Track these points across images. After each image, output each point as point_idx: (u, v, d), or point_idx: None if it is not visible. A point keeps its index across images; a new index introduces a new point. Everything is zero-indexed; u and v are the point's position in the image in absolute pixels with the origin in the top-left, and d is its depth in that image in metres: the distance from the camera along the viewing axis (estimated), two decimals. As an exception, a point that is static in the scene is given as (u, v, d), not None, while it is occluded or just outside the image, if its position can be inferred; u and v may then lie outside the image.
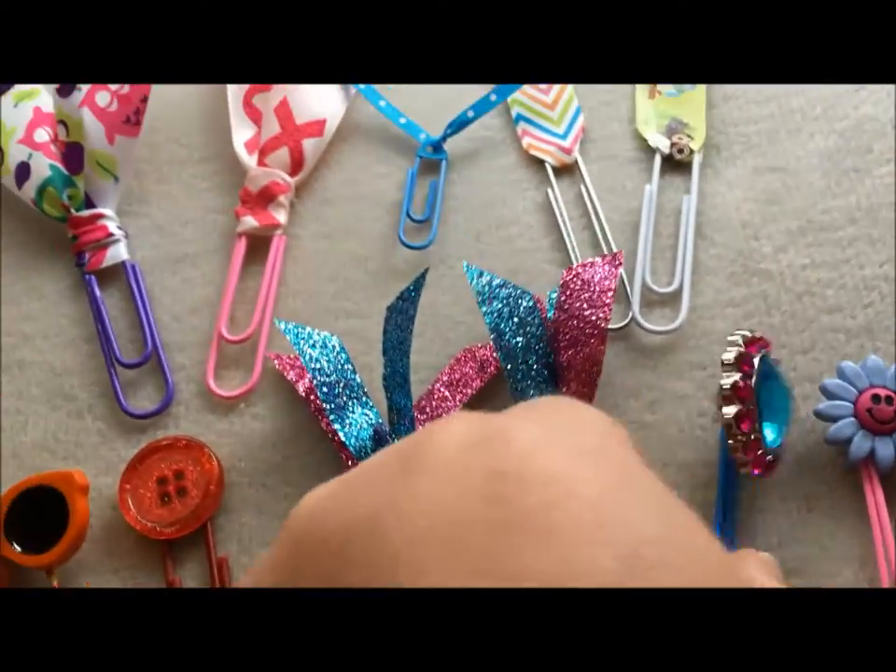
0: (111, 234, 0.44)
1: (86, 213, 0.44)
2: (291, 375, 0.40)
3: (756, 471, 0.34)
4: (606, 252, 0.42)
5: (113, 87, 0.44)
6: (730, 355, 0.34)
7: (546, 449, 0.17)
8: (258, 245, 0.44)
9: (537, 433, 0.18)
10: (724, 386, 0.33)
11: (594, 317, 0.37)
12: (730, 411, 0.33)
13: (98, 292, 0.43)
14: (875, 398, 0.34)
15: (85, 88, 0.44)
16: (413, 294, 0.36)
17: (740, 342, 0.34)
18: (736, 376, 0.33)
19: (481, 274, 0.38)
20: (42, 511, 0.37)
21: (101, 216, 0.45)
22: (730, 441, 0.33)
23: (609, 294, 0.38)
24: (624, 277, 0.41)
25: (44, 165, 0.45)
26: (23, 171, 0.45)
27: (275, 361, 0.41)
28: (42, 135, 0.45)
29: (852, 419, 0.34)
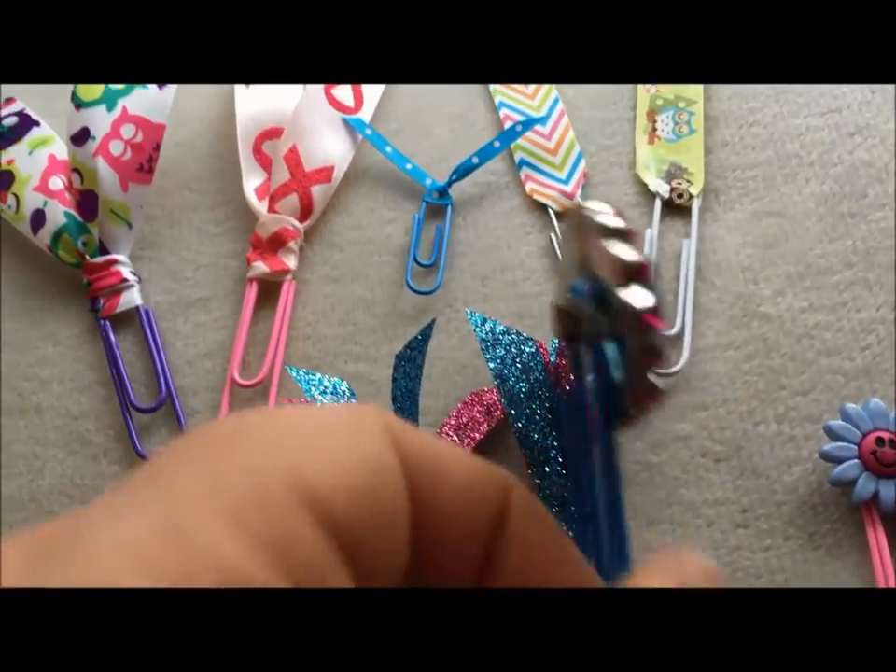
0: (125, 280, 0.45)
1: (100, 259, 0.45)
2: (303, 419, 0.41)
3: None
4: (609, 295, 0.43)
5: (126, 136, 0.46)
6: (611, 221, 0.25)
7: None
8: (268, 290, 0.45)
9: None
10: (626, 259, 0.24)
11: (598, 361, 0.38)
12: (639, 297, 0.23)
13: (113, 337, 0.44)
14: (880, 440, 0.35)
15: (99, 137, 0.45)
16: (420, 343, 0.37)
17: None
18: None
19: (484, 321, 0.39)
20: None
21: (115, 261, 0.46)
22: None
23: (613, 338, 0.39)
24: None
25: (59, 213, 0.46)
26: (39, 218, 0.46)
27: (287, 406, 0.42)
28: (57, 183, 0.47)
29: (857, 461, 0.35)
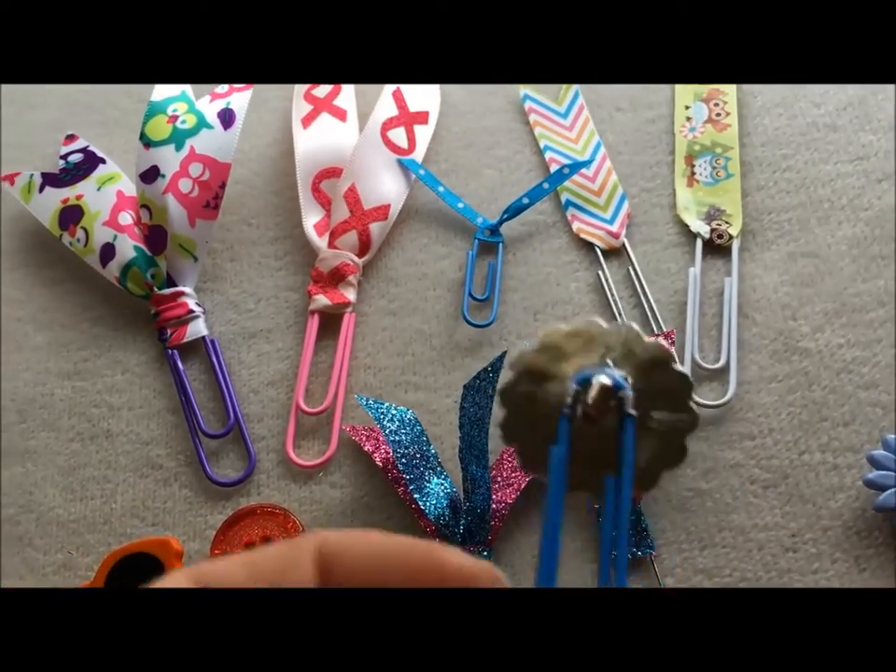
0: (191, 311, 0.47)
1: (168, 291, 0.47)
2: (368, 447, 0.43)
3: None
4: (655, 330, 0.45)
5: (194, 174, 0.48)
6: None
7: None
8: (327, 322, 0.48)
9: None
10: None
11: (651, 393, 0.41)
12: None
13: (181, 366, 0.46)
14: (918, 469, 0.37)
15: (168, 175, 0.48)
16: (491, 374, 0.39)
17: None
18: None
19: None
20: (141, 576, 0.39)
21: (181, 293, 0.48)
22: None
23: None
24: (674, 354, 0.44)
25: (128, 246, 0.48)
26: (108, 251, 0.48)
27: (351, 433, 0.44)
28: (126, 218, 0.49)
29: (898, 489, 0.38)
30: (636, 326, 0.26)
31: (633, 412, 0.24)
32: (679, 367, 0.26)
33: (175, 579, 0.19)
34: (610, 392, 0.24)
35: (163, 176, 0.48)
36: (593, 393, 0.24)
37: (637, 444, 0.24)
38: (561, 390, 0.25)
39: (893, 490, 0.38)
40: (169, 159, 0.48)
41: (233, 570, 0.20)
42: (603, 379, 0.24)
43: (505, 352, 0.40)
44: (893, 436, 0.39)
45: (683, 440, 0.26)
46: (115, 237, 0.48)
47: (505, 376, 0.39)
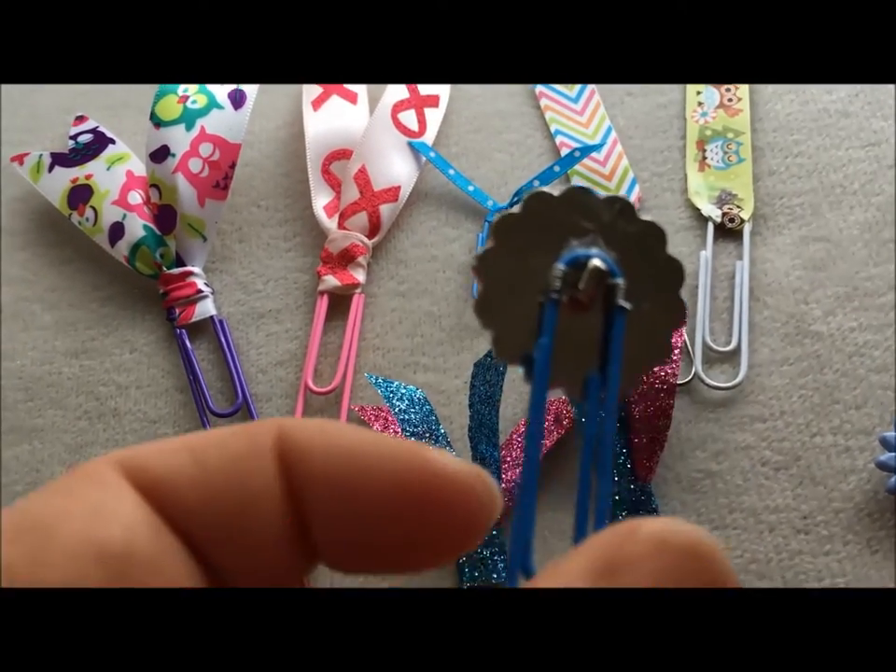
0: (200, 291, 0.47)
1: (176, 271, 0.47)
2: (377, 426, 0.43)
3: None
4: (666, 313, 0.45)
5: (204, 154, 0.48)
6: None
7: None
8: (336, 303, 0.47)
9: None
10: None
11: (663, 373, 0.40)
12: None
13: (189, 345, 0.46)
14: (932, 450, 0.37)
15: (178, 154, 0.47)
16: (502, 351, 0.39)
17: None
18: None
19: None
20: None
21: (190, 273, 0.47)
22: None
23: (676, 352, 0.41)
24: (686, 336, 0.44)
25: (138, 226, 0.48)
26: (117, 230, 0.48)
27: (360, 413, 0.44)
28: (135, 197, 0.49)
29: (911, 470, 0.37)
30: (630, 197, 0.23)
31: (626, 304, 0.20)
32: (671, 252, 0.22)
33: (96, 469, 0.15)
34: (603, 277, 0.21)
35: (173, 156, 0.47)
36: (585, 277, 0.20)
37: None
38: (544, 266, 0.21)
39: (906, 471, 0.37)
40: (179, 138, 0.48)
41: (175, 459, 0.15)
42: (597, 262, 0.20)
43: (517, 329, 0.39)
44: (906, 418, 0.39)
45: (669, 334, 0.22)
46: (124, 216, 0.48)
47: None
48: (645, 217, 0.21)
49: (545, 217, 0.22)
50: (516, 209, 0.22)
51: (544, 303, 0.20)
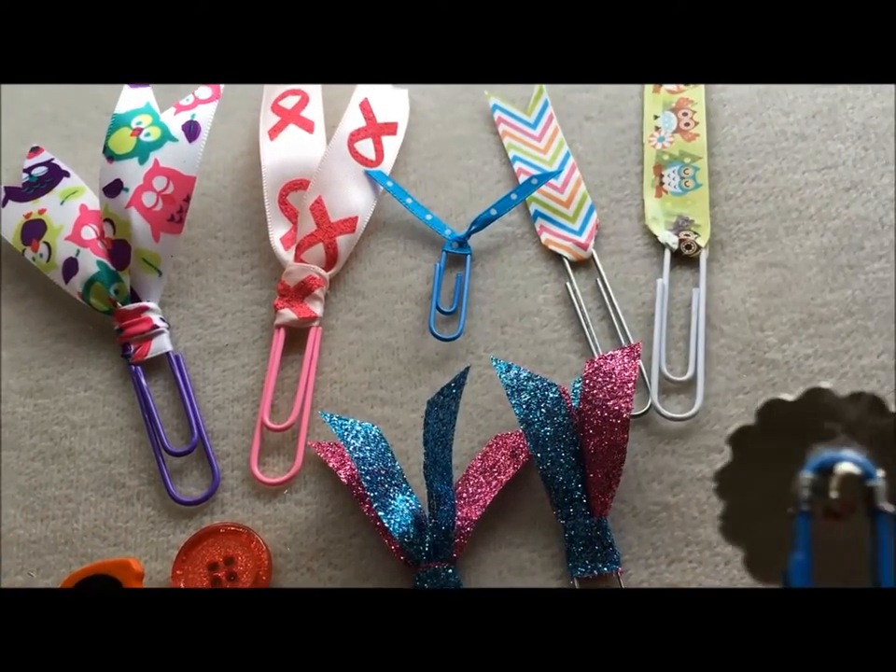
0: (156, 326, 0.47)
1: (132, 306, 0.47)
2: (333, 463, 0.42)
3: None
4: (623, 342, 0.45)
5: (158, 188, 0.47)
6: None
7: None
8: (294, 336, 0.47)
9: None
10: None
11: (616, 408, 0.40)
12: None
13: (144, 382, 0.46)
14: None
15: (132, 189, 0.47)
16: (454, 390, 0.39)
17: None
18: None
19: (509, 368, 0.41)
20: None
21: (145, 308, 0.47)
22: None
23: (630, 385, 0.41)
24: (642, 366, 0.44)
25: (91, 261, 0.47)
26: (71, 266, 0.47)
27: (316, 449, 0.43)
28: (89, 233, 0.48)
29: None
30: (875, 392, 0.21)
31: (888, 506, 0.19)
32: None
33: None
34: (857, 481, 0.19)
35: (127, 190, 0.47)
36: (836, 484, 0.19)
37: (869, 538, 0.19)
38: (790, 476, 0.20)
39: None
40: (132, 172, 0.47)
41: None
42: (848, 465, 0.19)
43: (468, 367, 0.39)
44: (858, 449, 0.39)
45: None
46: (78, 252, 0.47)
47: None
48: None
49: (783, 424, 0.20)
50: (753, 422, 0.20)
51: (795, 516, 0.19)
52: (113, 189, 0.48)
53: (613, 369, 0.41)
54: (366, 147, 0.51)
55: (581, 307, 0.46)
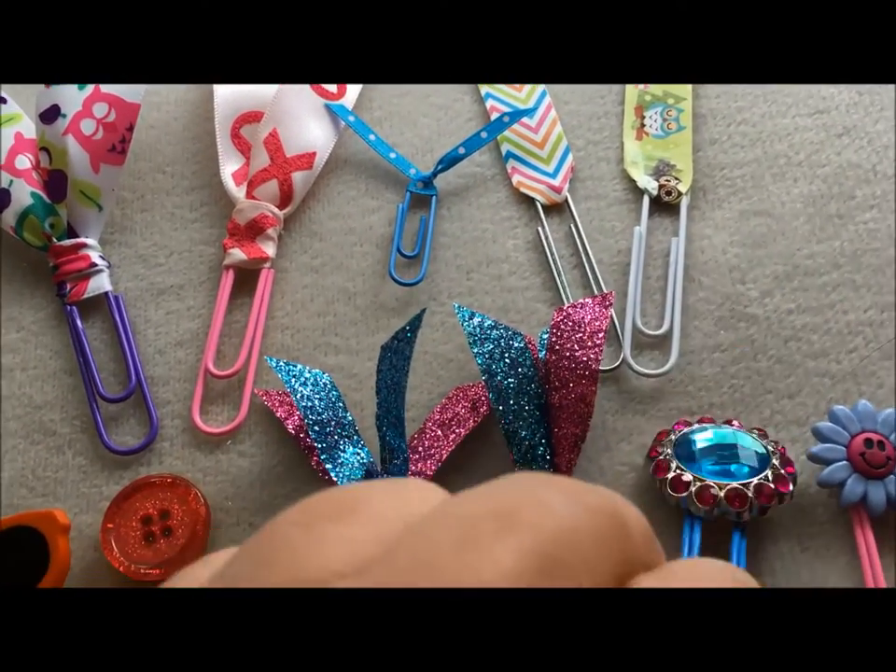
0: (94, 264, 0.43)
1: (68, 242, 0.43)
2: (280, 413, 0.39)
3: None
4: (596, 292, 0.42)
5: (98, 115, 0.44)
6: None
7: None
8: (244, 278, 0.44)
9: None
10: None
11: (584, 358, 0.37)
12: None
13: (80, 324, 0.42)
14: (868, 442, 0.35)
15: (70, 115, 0.43)
16: (409, 334, 0.36)
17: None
18: None
19: (472, 316, 0.38)
20: (22, 551, 0.35)
21: (83, 245, 0.44)
22: None
23: (600, 335, 0.38)
24: (615, 318, 0.41)
25: (25, 193, 0.44)
26: (3, 197, 0.44)
27: (264, 398, 0.40)
28: (24, 162, 0.44)
29: (845, 462, 0.35)
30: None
31: None
32: None
33: None
34: None
35: (64, 116, 0.43)
36: None
37: None
38: None
39: (839, 464, 0.35)
40: (71, 97, 0.44)
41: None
42: None
43: (424, 310, 0.36)
44: (841, 406, 0.36)
45: None
46: (11, 182, 0.44)
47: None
48: None
49: None
50: None
51: None
52: (50, 115, 0.44)
53: (583, 318, 0.38)
54: (327, 78, 0.47)
55: (552, 254, 0.43)
